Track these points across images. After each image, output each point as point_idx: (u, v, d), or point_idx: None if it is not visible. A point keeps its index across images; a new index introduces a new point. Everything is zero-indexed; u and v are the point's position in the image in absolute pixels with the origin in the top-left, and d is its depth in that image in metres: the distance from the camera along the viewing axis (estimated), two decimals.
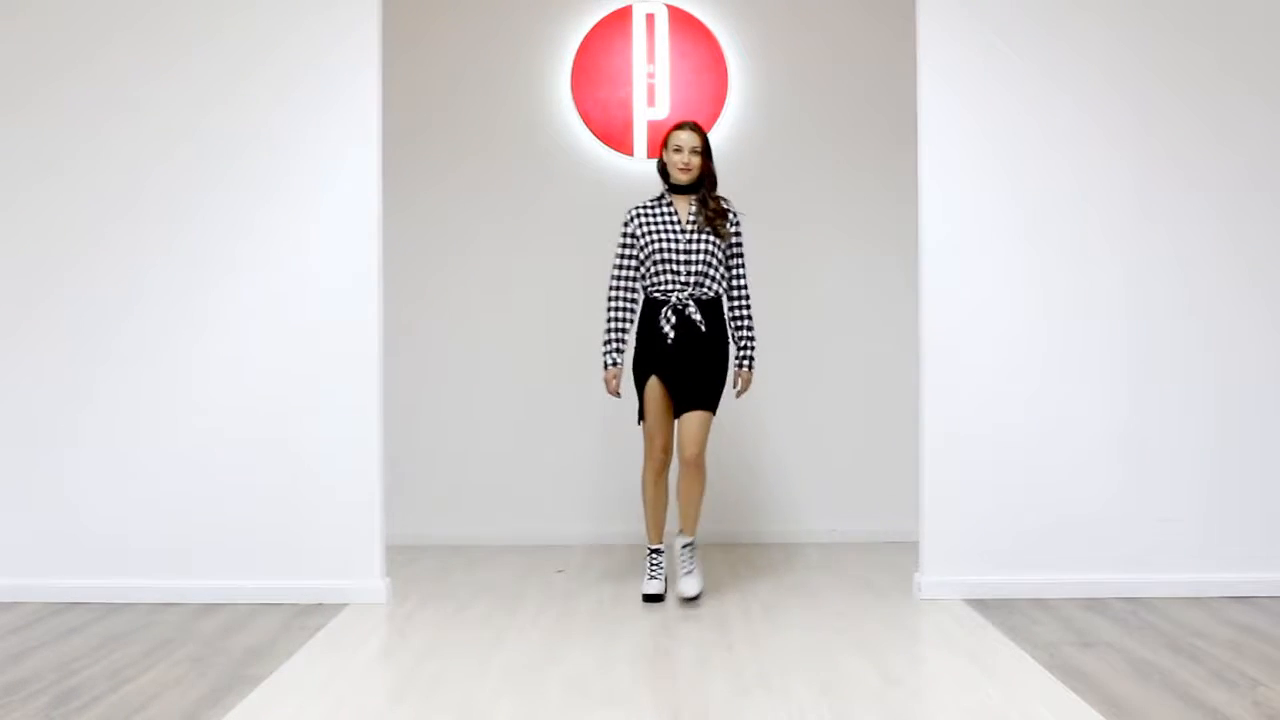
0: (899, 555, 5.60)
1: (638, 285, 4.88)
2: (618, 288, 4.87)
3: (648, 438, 4.86)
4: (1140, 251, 4.90)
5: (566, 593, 5.05)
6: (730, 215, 4.87)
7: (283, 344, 4.86)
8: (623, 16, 6.34)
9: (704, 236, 4.80)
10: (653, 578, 4.88)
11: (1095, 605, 4.67)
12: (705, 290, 4.80)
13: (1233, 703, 3.43)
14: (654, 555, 4.93)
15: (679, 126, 4.88)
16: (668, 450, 4.85)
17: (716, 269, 4.82)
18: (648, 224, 4.84)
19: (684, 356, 4.77)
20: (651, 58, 6.31)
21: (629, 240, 4.86)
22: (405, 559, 5.58)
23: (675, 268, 4.78)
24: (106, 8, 4.91)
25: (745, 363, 4.97)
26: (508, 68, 6.35)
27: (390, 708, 3.55)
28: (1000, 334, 4.88)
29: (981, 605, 4.67)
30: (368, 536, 4.85)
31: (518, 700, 3.55)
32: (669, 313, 4.77)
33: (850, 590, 5.06)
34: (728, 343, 4.90)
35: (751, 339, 4.96)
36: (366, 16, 4.85)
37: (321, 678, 3.84)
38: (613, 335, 4.86)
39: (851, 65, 6.32)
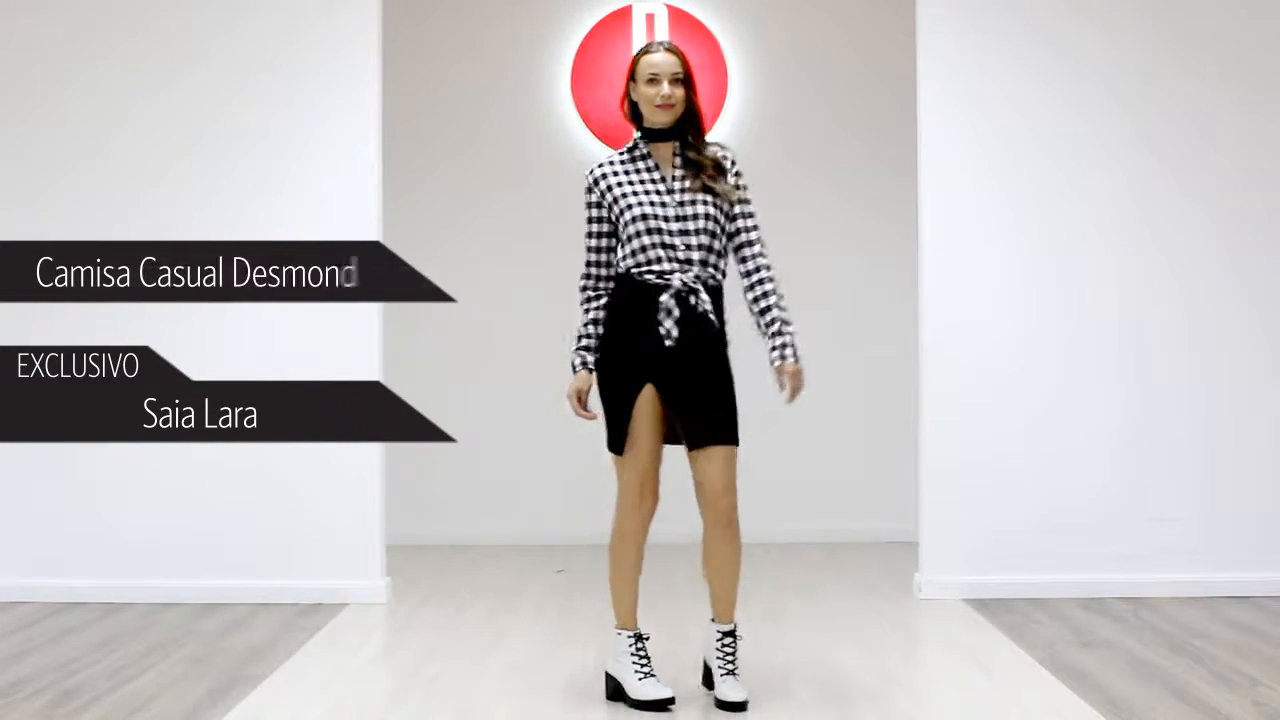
0: (899, 555, 5.60)
1: (611, 271, 3.56)
2: (592, 274, 3.56)
3: (633, 475, 3.55)
4: (1136, 253, 4.91)
5: (567, 593, 5.05)
6: (729, 165, 3.55)
7: (283, 344, 4.86)
8: (623, 16, 6.34)
9: (702, 197, 3.48)
10: (649, 674, 3.51)
11: (1095, 605, 4.67)
12: (712, 274, 3.49)
13: (1233, 703, 3.43)
14: (638, 644, 3.57)
15: (648, 49, 3.52)
16: (657, 494, 3.61)
17: (721, 243, 3.51)
18: (621, 184, 3.50)
19: (689, 366, 3.47)
20: None
21: (597, 213, 3.54)
22: (405, 559, 5.58)
23: (669, 240, 3.45)
24: (116, 14, 4.93)
25: (790, 353, 3.48)
26: (508, 67, 6.35)
27: (390, 708, 3.55)
28: (999, 335, 4.89)
29: (981, 605, 4.67)
30: (368, 536, 4.85)
31: (518, 700, 3.55)
32: (670, 302, 3.44)
33: (850, 590, 5.06)
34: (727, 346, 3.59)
35: (789, 320, 3.52)
36: (368, 19, 4.86)
37: (321, 678, 3.84)
38: (586, 331, 3.55)
39: (851, 65, 6.32)
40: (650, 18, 6.32)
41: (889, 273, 6.17)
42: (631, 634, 3.57)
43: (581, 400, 3.56)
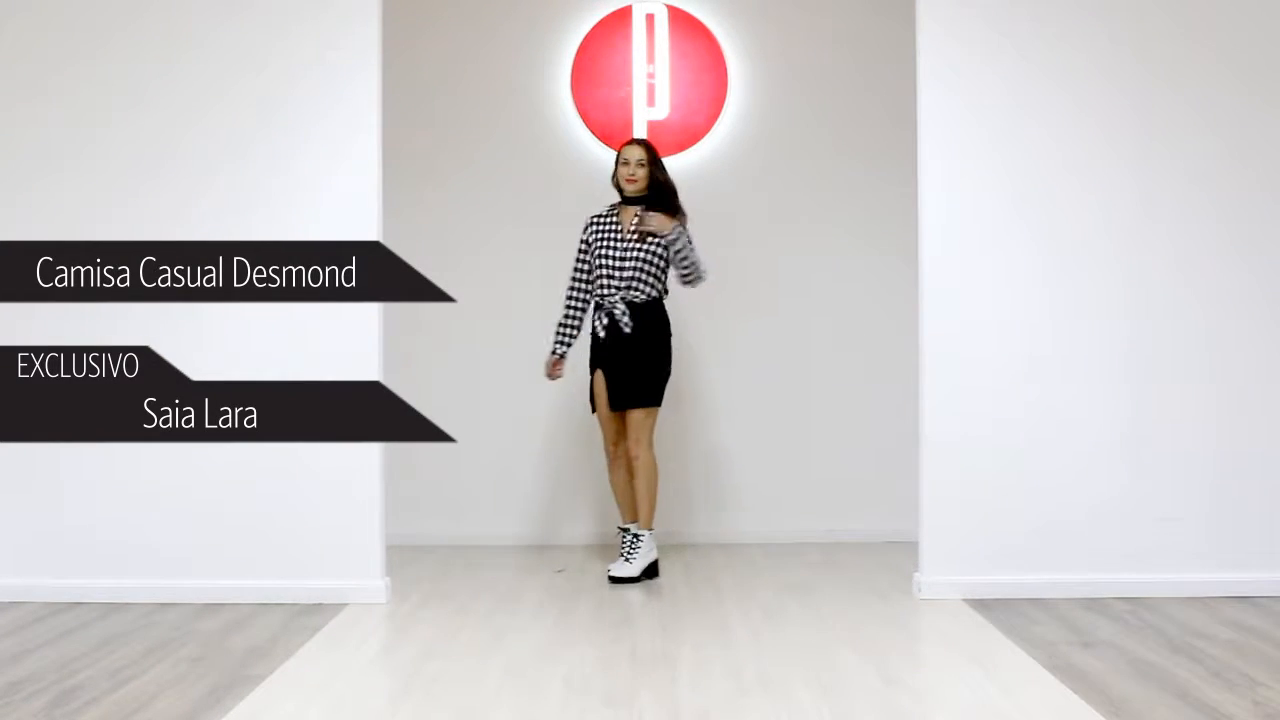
0: (899, 555, 5.60)
1: (589, 287, 5.45)
2: (573, 287, 5.49)
3: (601, 428, 5.49)
4: (1141, 251, 4.90)
5: (566, 593, 5.05)
6: (662, 237, 5.30)
7: (282, 342, 4.86)
8: (623, 16, 6.34)
9: (641, 244, 5.31)
10: (625, 560, 5.29)
11: (1095, 605, 4.67)
12: (637, 294, 5.32)
13: (1233, 703, 3.43)
14: (623, 533, 5.39)
15: (627, 143, 5.48)
16: (618, 441, 5.42)
17: (652, 273, 5.33)
18: (595, 232, 5.41)
19: (618, 355, 5.31)
20: (651, 58, 6.31)
21: (582, 247, 5.47)
22: (405, 559, 5.58)
23: (611, 273, 5.33)
24: (114, 10, 4.91)
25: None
26: (508, 67, 6.34)
27: (390, 708, 3.56)
28: (1001, 334, 4.88)
29: (981, 605, 4.67)
30: (368, 536, 4.85)
31: (518, 700, 3.55)
32: (602, 315, 5.34)
33: (850, 590, 5.06)
34: (663, 340, 5.35)
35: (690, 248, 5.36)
36: (366, 15, 4.85)
37: (321, 678, 3.84)
38: (562, 327, 5.49)
39: (852, 65, 6.31)
40: (650, 18, 6.32)
41: (890, 271, 6.17)
42: (620, 526, 5.49)
43: (553, 372, 5.56)
